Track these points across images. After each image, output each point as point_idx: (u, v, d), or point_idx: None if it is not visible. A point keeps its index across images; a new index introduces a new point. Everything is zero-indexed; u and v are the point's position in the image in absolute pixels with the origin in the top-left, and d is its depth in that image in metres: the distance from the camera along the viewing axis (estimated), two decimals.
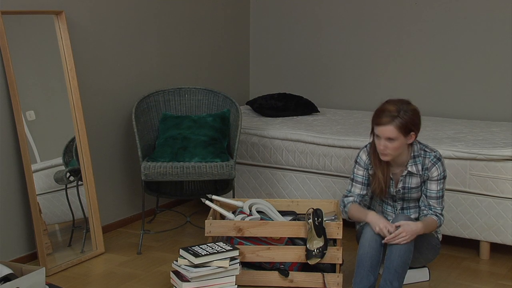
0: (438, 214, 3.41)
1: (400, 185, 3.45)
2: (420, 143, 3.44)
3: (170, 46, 4.80)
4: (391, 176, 3.45)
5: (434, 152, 3.42)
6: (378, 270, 3.31)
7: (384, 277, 3.27)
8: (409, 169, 3.40)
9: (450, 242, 4.07)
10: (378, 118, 3.29)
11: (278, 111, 4.96)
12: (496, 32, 4.81)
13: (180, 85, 4.63)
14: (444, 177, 3.43)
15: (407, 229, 3.23)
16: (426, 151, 3.42)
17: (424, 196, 3.45)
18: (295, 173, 4.44)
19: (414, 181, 3.44)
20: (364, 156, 3.48)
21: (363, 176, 3.47)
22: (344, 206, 3.48)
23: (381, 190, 3.42)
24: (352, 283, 3.35)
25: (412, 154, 3.40)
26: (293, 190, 4.44)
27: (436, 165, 3.39)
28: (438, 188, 3.41)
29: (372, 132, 3.37)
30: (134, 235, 4.32)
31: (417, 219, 3.47)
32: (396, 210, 3.53)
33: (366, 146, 3.50)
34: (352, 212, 3.44)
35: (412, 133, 3.30)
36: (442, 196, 3.44)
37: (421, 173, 3.41)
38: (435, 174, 3.40)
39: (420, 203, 3.49)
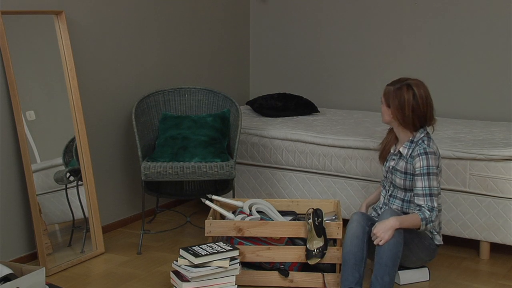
0: (423, 209, 3.34)
1: (392, 163, 3.51)
2: (427, 135, 3.45)
3: (170, 46, 4.80)
4: (392, 151, 3.53)
5: (427, 146, 3.40)
6: (362, 266, 3.33)
7: (374, 272, 3.29)
8: (401, 150, 3.46)
9: (450, 242, 4.06)
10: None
11: (278, 111, 4.96)
12: (496, 32, 4.81)
13: (180, 85, 4.63)
14: (429, 174, 3.35)
15: (378, 228, 3.28)
16: (423, 141, 3.42)
17: (413, 196, 3.44)
18: (295, 173, 4.44)
19: (400, 164, 3.46)
20: None
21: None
22: None
23: (380, 152, 3.60)
24: (340, 281, 3.38)
25: (411, 138, 3.44)
26: (293, 190, 4.44)
27: (420, 157, 3.37)
28: (423, 185, 3.36)
29: None
30: (134, 235, 4.32)
31: (405, 213, 3.47)
32: (387, 193, 3.58)
33: None
34: None
35: (391, 109, 3.41)
36: (431, 195, 3.35)
37: (407, 158, 3.42)
38: (417, 165, 3.38)
39: (406, 199, 3.51)
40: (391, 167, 3.52)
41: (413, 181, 3.41)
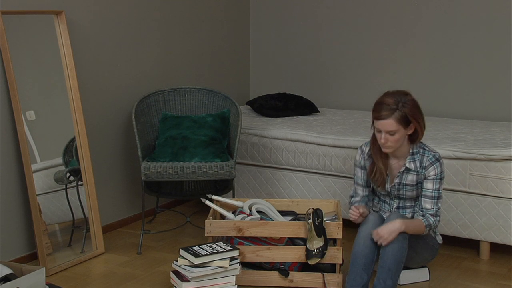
0: (428, 214, 3.36)
1: (396, 180, 3.44)
2: (420, 142, 3.44)
3: (170, 46, 4.80)
4: (387, 173, 3.46)
5: (434, 152, 3.42)
6: (371, 268, 3.31)
7: (378, 275, 3.28)
8: (407, 165, 3.41)
9: (450, 242, 4.07)
10: (378, 112, 3.31)
11: (278, 111, 4.96)
12: (496, 32, 4.81)
13: (180, 85, 4.63)
14: (441, 178, 3.40)
15: (384, 230, 3.26)
16: (425, 149, 3.42)
17: (420, 197, 3.44)
18: (295, 173, 4.44)
19: (410, 178, 3.43)
20: (357, 156, 3.55)
21: (361, 178, 3.53)
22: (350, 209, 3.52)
23: (382, 180, 3.45)
24: (346, 281, 3.36)
25: (411, 151, 3.41)
26: (293, 190, 4.44)
27: (434, 165, 3.38)
28: (434, 187, 3.38)
29: (373, 124, 3.40)
30: (134, 235, 4.32)
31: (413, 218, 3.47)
32: (392, 208, 3.53)
33: (360, 147, 3.57)
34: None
35: (411, 124, 3.32)
36: (438, 197, 3.40)
37: (418, 170, 3.41)
38: (432, 173, 3.38)
39: (417, 204, 3.49)
40: (396, 185, 3.45)
41: (422, 186, 3.42)
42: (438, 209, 3.40)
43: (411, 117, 3.29)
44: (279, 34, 5.60)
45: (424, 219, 3.34)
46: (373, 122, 3.39)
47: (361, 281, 3.29)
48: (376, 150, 3.44)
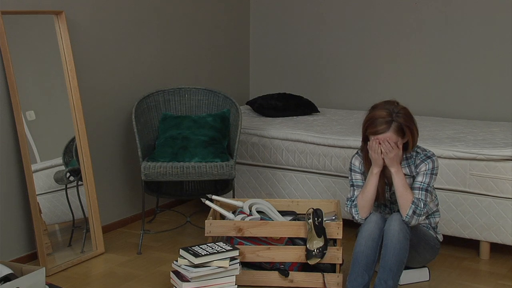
0: (415, 200, 3.30)
1: (394, 187, 3.41)
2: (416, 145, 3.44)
3: (170, 46, 4.80)
4: (386, 181, 3.45)
5: (426, 152, 3.42)
6: (373, 269, 3.31)
7: (379, 276, 3.28)
8: (403, 171, 3.40)
9: (450, 242, 4.07)
10: (374, 127, 3.29)
11: (278, 111, 4.96)
12: (496, 32, 4.81)
13: (180, 85, 4.63)
14: (432, 174, 3.37)
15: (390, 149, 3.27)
16: (418, 152, 3.42)
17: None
18: (295, 173, 4.44)
19: (408, 182, 3.42)
20: (357, 162, 3.51)
21: (362, 180, 3.49)
22: (353, 206, 3.45)
23: (381, 190, 3.44)
24: (347, 281, 3.35)
25: (404, 156, 3.41)
26: (293, 190, 4.44)
27: (425, 162, 3.38)
28: (423, 180, 3.35)
29: (364, 139, 3.38)
30: (134, 235, 4.32)
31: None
32: (394, 211, 3.52)
33: (357, 152, 3.54)
34: (359, 201, 3.41)
35: (409, 134, 3.31)
36: (426, 190, 3.34)
37: (413, 173, 3.41)
38: (423, 169, 3.37)
39: None
40: (395, 191, 3.42)
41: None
42: (425, 202, 3.32)
43: (406, 127, 3.29)
44: (279, 34, 5.60)
45: (415, 199, 3.30)
46: (365, 139, 3.38)
47: (362, 281, 3.29)
48: (369, 165, 3.41)
